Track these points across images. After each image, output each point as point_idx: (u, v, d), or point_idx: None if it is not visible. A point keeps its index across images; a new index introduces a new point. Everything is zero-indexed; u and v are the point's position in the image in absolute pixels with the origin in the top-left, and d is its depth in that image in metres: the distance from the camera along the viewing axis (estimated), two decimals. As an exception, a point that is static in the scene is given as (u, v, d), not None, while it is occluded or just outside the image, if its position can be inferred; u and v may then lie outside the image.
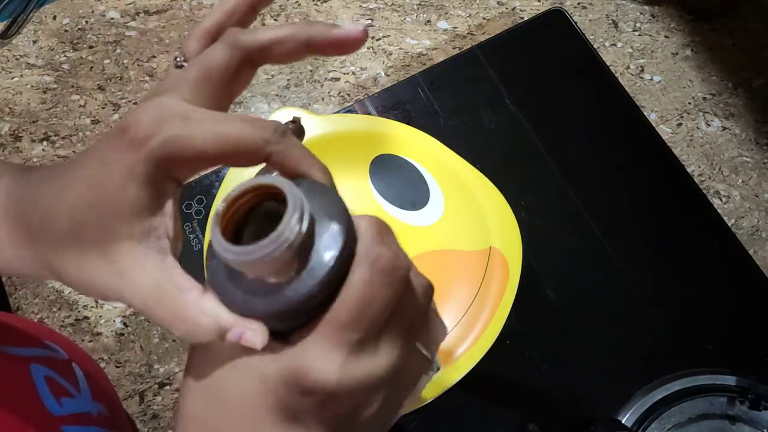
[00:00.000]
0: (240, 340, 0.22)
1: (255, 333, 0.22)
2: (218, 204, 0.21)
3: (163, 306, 0.23)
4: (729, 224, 0.58)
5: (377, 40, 0.70)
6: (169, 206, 0.24)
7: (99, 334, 0.58)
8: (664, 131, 0.65)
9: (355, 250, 0.22)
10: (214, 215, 0.21)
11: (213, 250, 0.22)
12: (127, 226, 0.23)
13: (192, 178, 0.25)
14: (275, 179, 0.21)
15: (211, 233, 0.21)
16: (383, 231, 0.24)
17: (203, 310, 0.22)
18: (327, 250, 0.21)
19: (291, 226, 0.20)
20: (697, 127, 0.67)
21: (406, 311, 0.24)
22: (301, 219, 0.20)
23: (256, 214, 0.22)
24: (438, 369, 0.27)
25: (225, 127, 0.22)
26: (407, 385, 0.26)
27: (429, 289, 0.25)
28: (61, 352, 0.39)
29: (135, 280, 0.23)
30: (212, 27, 0.26)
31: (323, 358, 0.22)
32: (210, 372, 0.23)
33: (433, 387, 0.48)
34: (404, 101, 0.60)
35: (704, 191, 0.59)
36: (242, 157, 0.23)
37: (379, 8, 0.73)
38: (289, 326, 0.23)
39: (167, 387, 0.59)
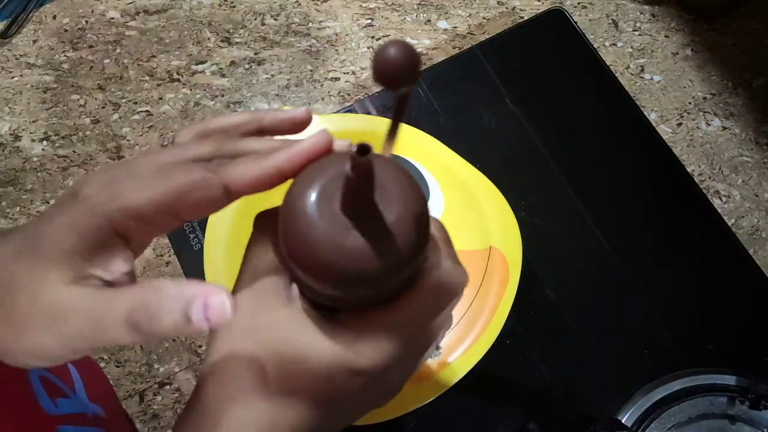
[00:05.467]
0: (206, 313, 0.21)
1: (219, 298, 0.21)
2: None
3: (104, 322, 0.22)
4: (729, 224, 0.58)
5: (377, 39, 0.70)
6: (118, 263, 0.24)
7: (99, 333, 0.58)
8: (664, 131, 0.65)
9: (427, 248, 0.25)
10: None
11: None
12: (60, 271, 0.22)
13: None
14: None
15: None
16: (450, 242, 0.27)
17: (166, 292, 0.21)
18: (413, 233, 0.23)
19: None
20: (697, 127, 0.67)
21: (446, 312, 0.28)
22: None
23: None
24: (439, 350, 0.31)
25: (171, 182, 0.24)
26: (418, 366, 0.29)
27: (463, 287, 0.28)
28: None
29: (67, 315, 0.22)
30: (212, 131, 0.28)
31: (379, 349, 0.25)
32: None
33: (433, 387, 0.48)
34: (404, 101, 0.60)
35: (704, 191, 0.59)
36: (201, 202, 0.24)
37: (379, 8, 0.72)
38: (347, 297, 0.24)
39: (167, 387, 0.59)
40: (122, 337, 0.22)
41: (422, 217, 0.23)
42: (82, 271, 0.23)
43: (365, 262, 0.22)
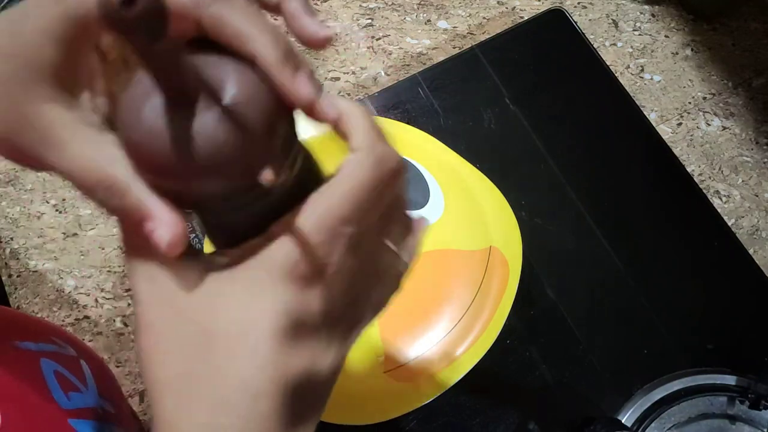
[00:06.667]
0: (152, 234, 0.19)
1: (168, 228, 0.19)
2: None
3: (95, 174, 0.20)
4: (729, 224, 0.58)
5: (377, 39, 0.70)
6: (98, 84, 0.22)
7: (99, 333, 0.58)
8: (664, 131, 0.65)
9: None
10: None
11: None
12: (50, 90, 0.20)
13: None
14: None
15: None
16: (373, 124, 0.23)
17: (131, 188, 0.20)
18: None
19: None
20: (697, 127, 0.67)
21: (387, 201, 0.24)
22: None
23: None
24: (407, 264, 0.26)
25: None
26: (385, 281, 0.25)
27: (399, 162, 0.23)
28: (69, 348, 0.40)
29: (65, 146, 0.20)
30: None
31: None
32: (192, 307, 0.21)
33: (433, 387, 0.48)
34: (404, 101, 0.60)
35: (704, 191, 0.59)
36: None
37: (379, 8, 0.72)
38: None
39: (167, 387, 0.59)
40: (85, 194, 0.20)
41: (262, 96, 0.20)
42: (73, 95, 0.20)
43: (205, 148, 0.19)
